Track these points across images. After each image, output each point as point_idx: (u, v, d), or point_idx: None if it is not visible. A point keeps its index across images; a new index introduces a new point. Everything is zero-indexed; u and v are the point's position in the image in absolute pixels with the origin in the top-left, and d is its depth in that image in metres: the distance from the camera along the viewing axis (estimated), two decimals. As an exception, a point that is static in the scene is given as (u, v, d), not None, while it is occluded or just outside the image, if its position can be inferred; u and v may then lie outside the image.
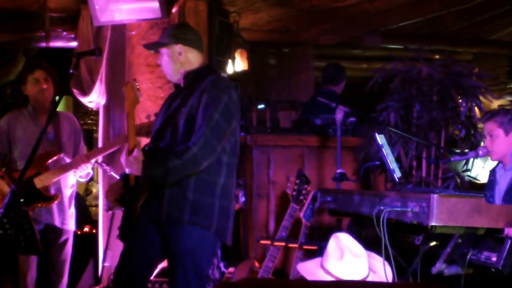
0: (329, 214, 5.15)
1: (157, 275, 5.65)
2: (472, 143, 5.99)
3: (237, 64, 7.85)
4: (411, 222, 3.80)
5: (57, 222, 5.58)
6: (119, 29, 6.59)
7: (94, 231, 7.88)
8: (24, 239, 4.35)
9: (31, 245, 4.40)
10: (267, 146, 6.37)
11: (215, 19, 6.94)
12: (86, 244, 7.35)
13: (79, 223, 6.58)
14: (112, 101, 6.77)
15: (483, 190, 5.11)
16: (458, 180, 6.04)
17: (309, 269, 4.03)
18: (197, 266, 4.09)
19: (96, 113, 8.83)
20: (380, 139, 5.12)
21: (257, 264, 5.75)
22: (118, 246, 4.89)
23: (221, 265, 6.07)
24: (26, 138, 5.55)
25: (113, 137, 6.65)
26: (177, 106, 4.20)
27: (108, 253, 6.24)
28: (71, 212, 5.71)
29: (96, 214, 8.07)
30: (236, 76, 7.67)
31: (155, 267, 4.57)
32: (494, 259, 3.87)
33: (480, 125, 5.76)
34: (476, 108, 6.03)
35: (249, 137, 6.26)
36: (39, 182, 5.35)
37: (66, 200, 5.65)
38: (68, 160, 5.55)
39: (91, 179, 9.52)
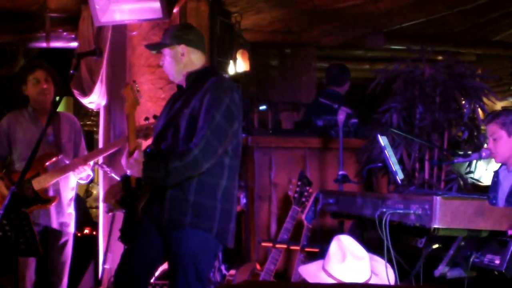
0: (331, 216, 5.13)
1: (158, 278, 5.63)
2: (475, 145, 5.98)
3: (239, 65, 7.83)
4: (413, 224, 3.80)
5: (54, 224, 5.55)
6: (120, 30, 6.58)
7: (94, 233, 7.87)
8: (24, 241, 4.35)
9: (31, 248, 4.39)
10: (268, 148, 6.36)
11: (216, 19, 6.92)
12: (86, 246, 7.34)
13: (80, 225, 6.57)
14: (113, 102, 6.76)
15: (487, 192, 5.10)
16: (461, 182, 6.03)
17: (311, 272, 4.02)
18: (198, 269, 4.07)
19: (96, 114, 8.83)
20: (383, 140, 5.10)
21: (258, 267, 5.75)
22: (118, 248, 4.88)
23: (222, 267, 6.05)
24: (26, 140, 5.54)
25: (114, 138, 6.64)
26: (179, 108, 4.18)
27: (108, 255, 6.22)
28: (71, 214, 5.68)
29: (97, 216, 8.06)
30: (238, 77, 7.65)
31: (156, 270, 4.55)
32: (497, 262, 3.85)
33: (483, 127, 5.73)
34: (479, 110, 6.01)
35: (251, 139, 6.25)
36: (36, 184, 5.33)
37: (65, 202, 5.62)
38: (67, 162, 5.53)
39: (92, 181, 9.50)
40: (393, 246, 3.78)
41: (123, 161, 4.15)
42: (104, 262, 6.28)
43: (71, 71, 4.51)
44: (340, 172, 5.52)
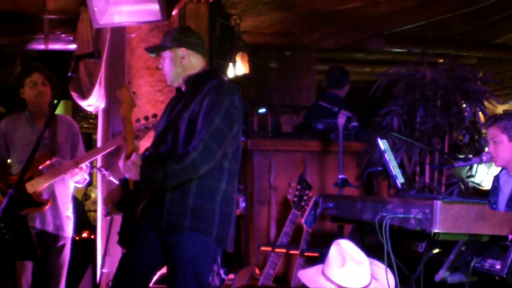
0: (331, 221, 5.11)
1: (156, 282, 5.60)
2: (476, 149, 5.96)
3: (238, 67, 7.82)
4: (414, 229, 3.77)
5: (51, 228, 5.52)
6: (119, 32, 6.57)
7: (92, 236, 7.86)
8: (22, 244, 4.33)
9: (29, 251, 4.39)
10: (268, 151, 6.35)
11: (216, 21, 6.92)
12: (84, 250, 7.34)
13: (78, 229, 6.54)
14: (112, 104, 6.74)
15: (487, 196, 5.08)
16: (462, 186, 6.01)
17: (311, 277, 3.99)
18: (197, 273, 4.06)
19: (95, 117, 8.81)
20: (383, 144, 5.08)
21: (257, 271, 5.74)
22: (117, 252, 4.88)
23: (221, 271, 6.04)
24: (23, 143, 5.51)
25: (113, 141, 6.63)
26: (179, 111, 4.17)
27: (106, 259, 6.21)
28: (68, 217, 5.65)
29: (95, 220, 8.04)
30: (237, 79, 7.64)
31: (155, 274, 4.52)
32: (498, 267, 3.83)
33: (484, 131, 5.71)
34: (480, 113, 6.00)
35: (250, 142, 6.24)
36: (30, 187, 5.32)
37: (61, 205, 5.58)
38: (64, 165, 5.51)
39: (89, 184, 9.49)
40: (393, 251, 3.76)
41: (121, 164, 4.13)
42: (103, 266, 6.28)
43: (70, 74, 4.48)
44: (340, 176, 5.51)
